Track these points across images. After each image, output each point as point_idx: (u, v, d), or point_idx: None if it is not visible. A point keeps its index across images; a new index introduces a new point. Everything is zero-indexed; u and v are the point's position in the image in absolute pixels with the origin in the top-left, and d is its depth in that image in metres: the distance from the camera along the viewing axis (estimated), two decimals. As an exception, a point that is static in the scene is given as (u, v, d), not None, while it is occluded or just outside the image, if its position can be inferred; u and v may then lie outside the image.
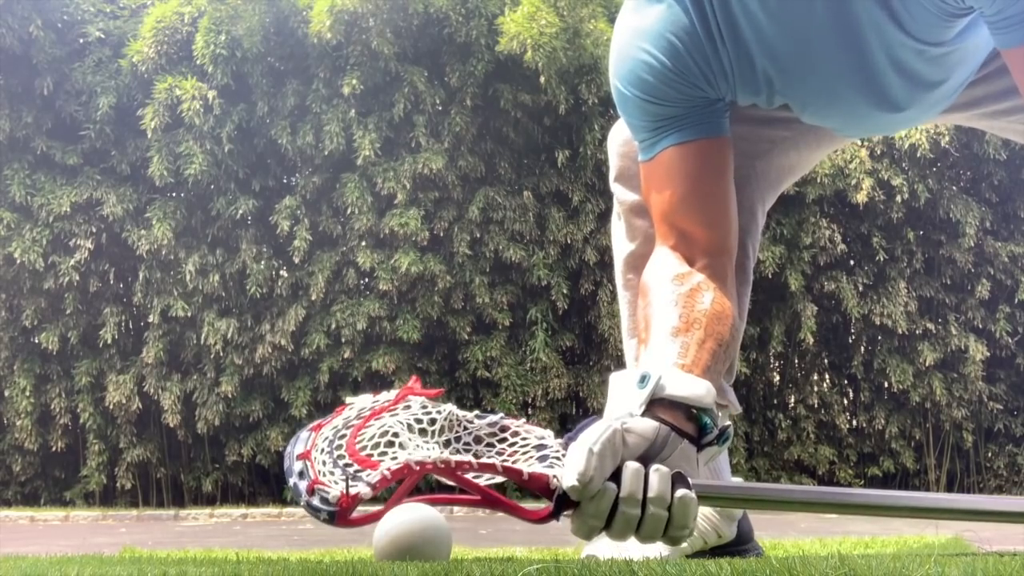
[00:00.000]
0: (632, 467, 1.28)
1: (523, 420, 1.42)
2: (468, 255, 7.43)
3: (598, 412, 1.49)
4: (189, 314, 7.47)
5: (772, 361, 8.33)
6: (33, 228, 7.46)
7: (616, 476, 1.29)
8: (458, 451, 1.39)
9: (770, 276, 7.60)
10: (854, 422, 8.38)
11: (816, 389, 8.24)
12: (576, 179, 7.57)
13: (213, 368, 7.52)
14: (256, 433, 7.60)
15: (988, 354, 8.04)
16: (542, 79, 7.17)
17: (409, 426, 1.39)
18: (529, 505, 1.37)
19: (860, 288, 7.97)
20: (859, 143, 7.71)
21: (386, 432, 1.37)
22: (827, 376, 8.37)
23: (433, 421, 1.39)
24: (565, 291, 7.50)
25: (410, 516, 1.29)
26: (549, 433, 1.39)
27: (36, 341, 7.61)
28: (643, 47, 1.53)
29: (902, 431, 8.12)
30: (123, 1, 7.91)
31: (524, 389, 7.51)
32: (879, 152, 7.88)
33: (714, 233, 1.57)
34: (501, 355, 7.49)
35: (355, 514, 1.28)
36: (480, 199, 7.45)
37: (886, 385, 8.19)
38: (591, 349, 7.88)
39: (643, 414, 1.34)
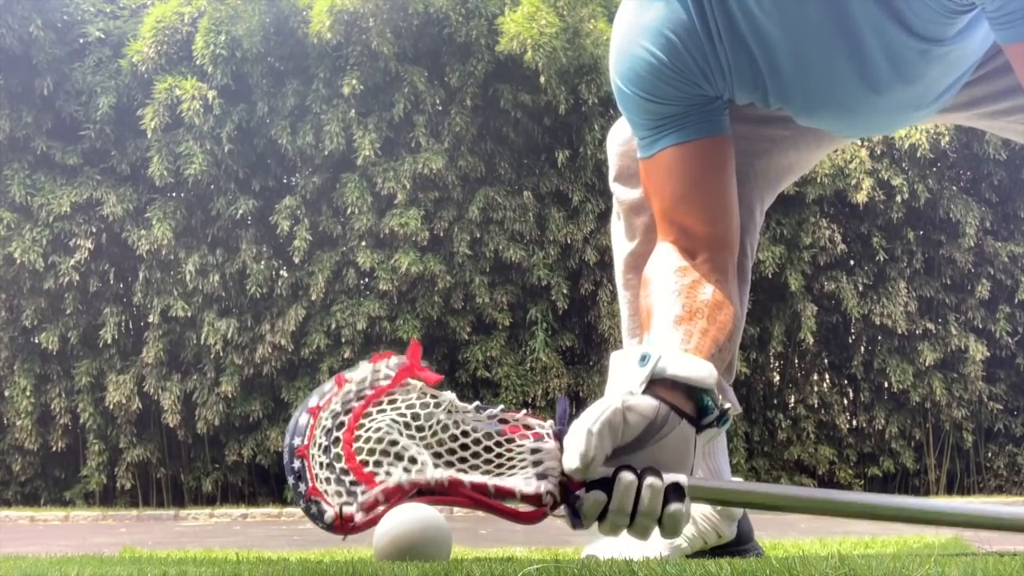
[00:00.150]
0: (625, 480, 1.28)
1: (524, 411, 1.40)
2: (468, 255, 7.43)
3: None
4: (189, 314, 7.47)
5: (772, 361, 8.33)
6: (33, 228, 7.46)
7: (608, 484, 1.29)
8: (452, 451, 1.39)
9: (770, 276, 7.60)
10: (854, 422, 8.38)
11: (816, 389, 8.23)
12: (576, 179, 7.57)
13: (213, 368, 7.52)
14: (256, 433, 7.60)
15: (988, 354, 8.04)
16: (542, 79, 7.17)
17: (406, 424, 1.39)
18: (522, 507, 1.38)
19: (860, 288, 7.97)
20: (859, 143, 7.71)
21: (382, 439, 1.37)
22: (827, 376, 8.37)
23: (431, 415, 1.39)
24: (565, 291, 7.50)
25: (410, 516, 1.29)
26: (548, 428, 1.39)
27: (36, 341, 7.61)
28: (642, 44, 1.53)
29: (902, 431, 8.12)
30: (123, 1, 7.91)
31: (524, 389, 7.51)
32: (879, 152, 7.87)
33: (715, 229, 1.57)
34: (501, 355, 7.49)
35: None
36: (480, 199, 7.45)
37: (886, 385, 8.19)
38: (591, 349, 7.88)
39: (643, 392, 1.35)
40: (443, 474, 1.34)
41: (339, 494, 1.31)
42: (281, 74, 7.55)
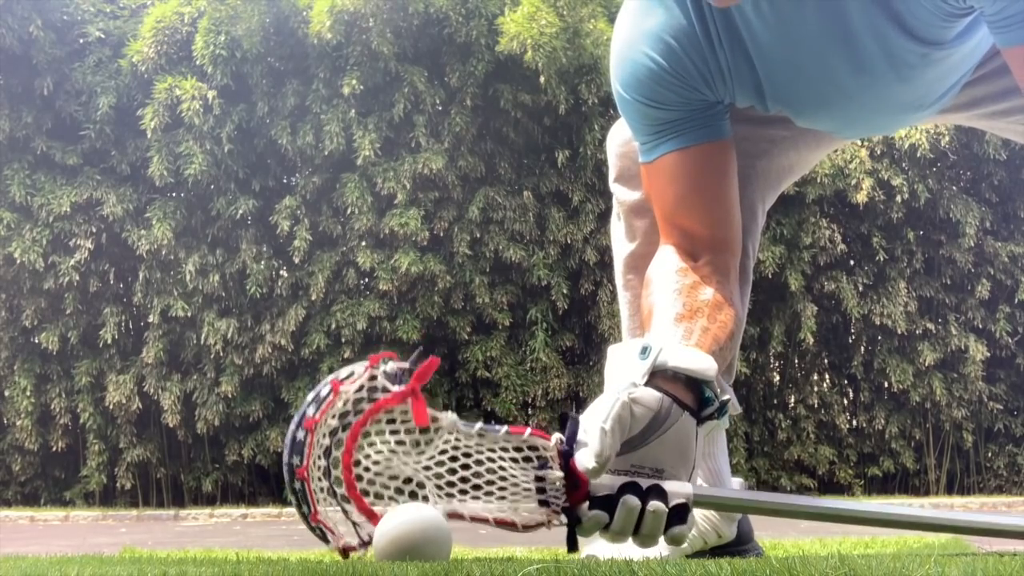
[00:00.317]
0: (628, 505, 1.29)
1: (528, 431, 1.37)
2: (468, 255, 7.43)
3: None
4: (189, 314, 7.47)
5: (772, 361, 8.33)
6: (33, 228, 7.46)
7: (610, 504, 1.29)
8: (454, 471, 1.38)
9: (770, 276, 7.60)
10: (854, 422, 8.38)
11: (816, 389, 8.23)
12: (576, 179, 7.57)
13: (213, 368, 7.52)
14: (256, 433, 7.60)
15: (988, 354, 8.04)
16: (542, 79, 7.17)
17: (406, 450, 1.37)
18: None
19: (860, 288, 7.97)
20: (859, 143, 7.71)
21: (382, 472, 1.36)
22: (827, 376, 8.37)
23: (431, 440, 1.38)
24: (565, 291, 7.50)
25: (410, 516, 1.29)
26: (553, 448, 1.35)
27: (36, 341, 7.61)
28: (643, 50, 1.53)
29: (902, 431, 8.12)
30: (123, 1, 7.91)
31: (524, 389, 7.51)
32: (879, 152, 7.87)
33: (717, 233, 1.58)
34: (501, 355, 7.49)
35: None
36: (480, 199, 7.45)
37: (886, 385, 8.19)
38: (591, 349, 7.88)
39: (645, 385, 1.35)
40: (443, 508, 1.35)
41: (343, 524, 1.33)
42: (281, 74, 7.55)
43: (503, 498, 1.36)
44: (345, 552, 1.32)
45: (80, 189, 7.51)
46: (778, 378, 8.34)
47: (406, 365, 1.39)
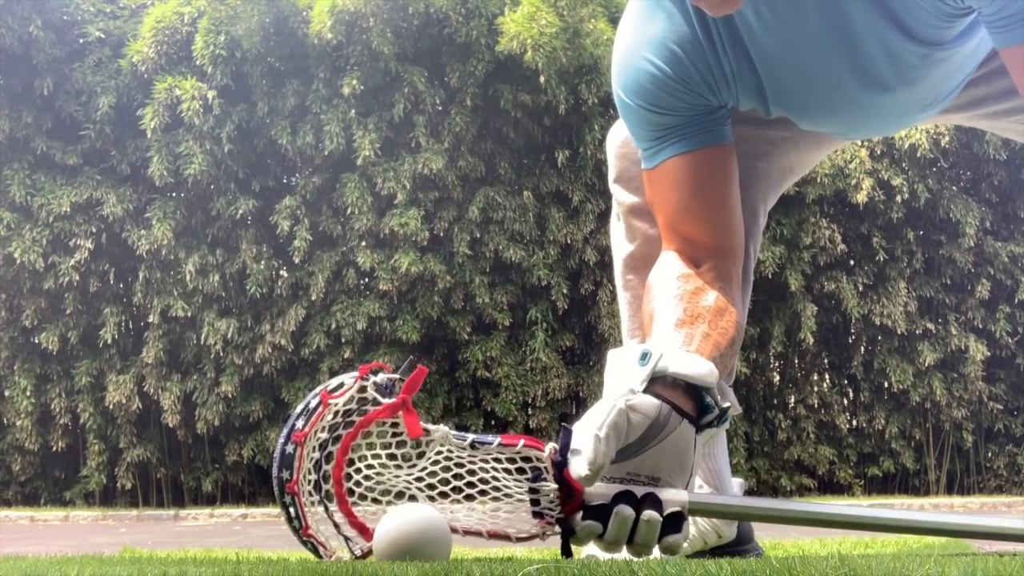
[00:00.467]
0: (622, 515, 1.28)
1: (521, 441, 1.36)
2: (468, 255, 7.43)
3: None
4: (189, 314, 7.47)
5: (772, 361, 8.33)
6: (33, 228, 7.46)
7: (603, 514, 1.29)
8: (447, 482, 1.37)
9: (770, 276, 7.60)
10: (854, 422, 8.38)
11: (816, 389, 8.23)
12: (576, 179, 7.57)
13: (213, 368, 7.52)
14: (256, 433, 7.60)
15: (988, 354, 8.04)
16: (542, 79, 7.17)
17: (397, 464, 1.37)
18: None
19: (860, 288, 7.97)
20: (859, 143, 7.71)
21: (373, 488, 1.36)
22: (827, 376, 8.37)
23: (423, 453, 1.38)
24: (565, 291, 7.50)
25: (410, 516, 1.29)
26: (547, 458, 1.35)
27: (36, 341, 7.61)
28: (645, 56, 1.53)
29: (902, 431, 8.12)
30: (123, 1, 7.91)
31: (524, 389, 7.51)
32: (879, 152, 7.87)
33: (720, 239, 1.58)
34: (501, 355, 7.49)
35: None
36: (480, 199, 7.45)
37: (886, 385, 8.19)
38: (591, 349, 7.88)
39: (644, 391, 1.34)
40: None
41: (335, 538, 1.33)
42: (281, 74, 7.55)
43: (496, 509, 1.35)
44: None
45: (80, 189, 7.51)
46: (778, 378, 8.34)
47: (396, 376, 1.38)
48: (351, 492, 1.34)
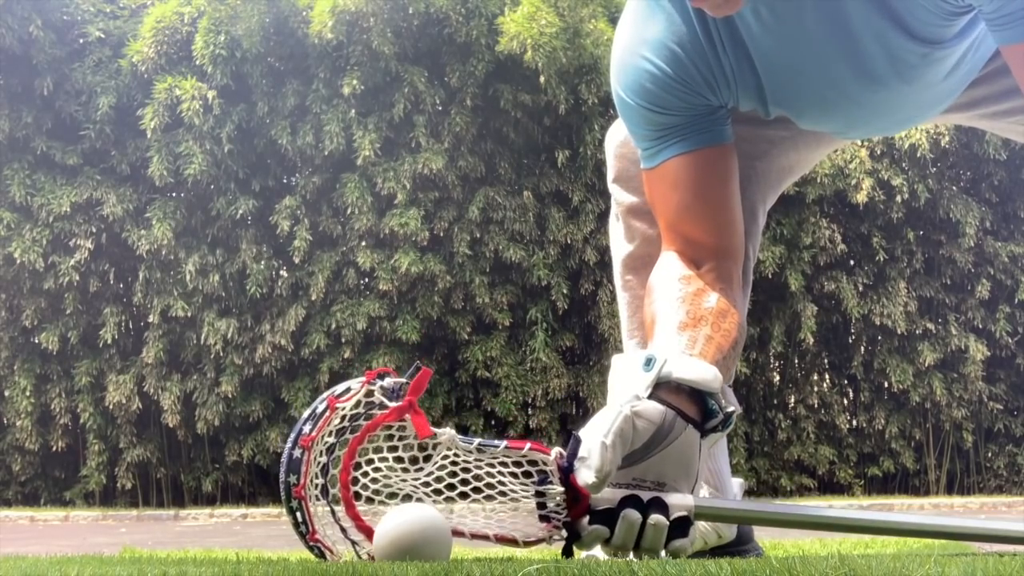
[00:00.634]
0: (629, 519, 1.28)
1: (527, 445, 1.36)
2: (468, 255, 7.43)
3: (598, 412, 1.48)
4: (189, 314, 7.47)
5: (772, 361, 8.33)
6: (33, 228, 7.46)
7: (610, 517, 1.29)
8: (453, 487, 1.37)
9: (770, 276, 7.60)
10: (854, 422, 8.38)
11: (816, 389, 8.23)
12: (576, 179, 7.57)
13: (213, 368, 7.52)
14: (256, 433, 7.60)
15: (988, 354, 8.04)
16: (542, 79, 7.17)
17: (404, 467, 1.37)
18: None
19: (860, 288, 7.97)
20: (859, 143, 7.71)
21: (380, 491, 1.35)
22: (827, 376, 8.37)
23: (430, 456, 1.37)
24: (565, 291, 7.50)
25: (410, 516, 1.29)
26: (553, 463, 1.34)
27: (36, 341, 7.61)
28: (645, 56, 1.52)
29: (902, 431, 8.12)
30: (123, 1, 7.91)
31: (524, 389, 7.51)
32: (879, 152, 7.87)
33: (720, 239, 1.57)
34: (501, 355, 7.49)
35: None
36: (480, 199, 7.45)
37: (886, 385, 8.19)
38: (591, 349, 7.88)
39: (649, 397, 1.34)
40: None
41: (341, 543, 1.33)
42: (281, 74, 7.55)
43: (503, 512, 1.35)
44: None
45: (80, 189, 7.51)
46: (778, 378, 8.34)
47: (403, 380, 1.38)
48: (358, 496, 1.34)
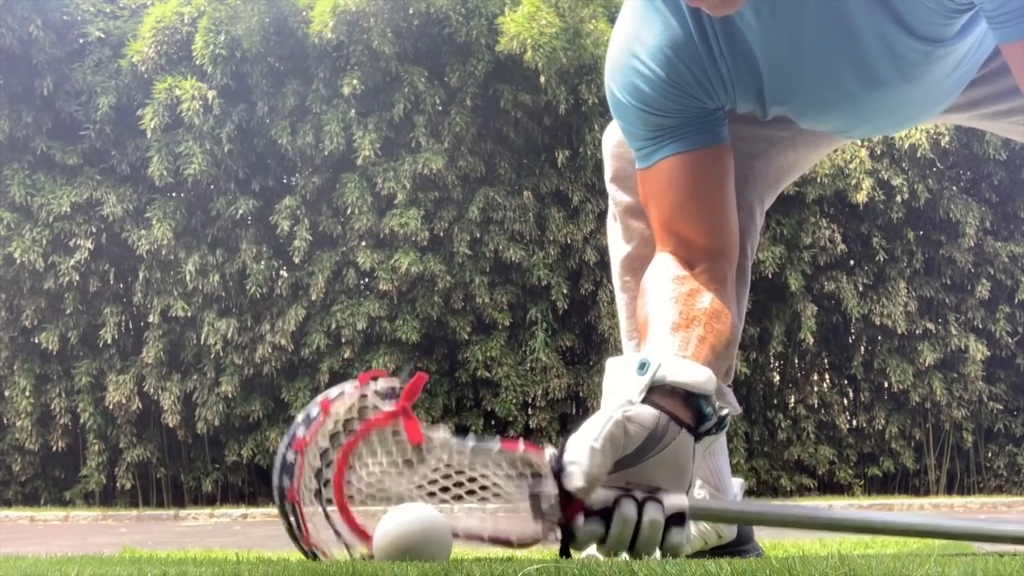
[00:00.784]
0: (625, 514, 1.28)
1: (521, 446, 1.36)
2: (468, 255, 7.43)
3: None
4: (189, 314, 7.48)
5: (772, 361, 8.33)
6: (33, 228, 7.46)
7: (607, 514, 1.28)
8: (446, 488, 1.36)
9: (770, 276, 7.60)
10: (854, 422, 8.38)
11: (816, 389, 8.23)
12: (576, 179, 7.57)
13: (213, 368, 7.52)
14: (256, 433, 7.60)
15: (988, 354, 8.04)
16: (542, 79, 7.17)
17: (398, 469, 1.36)
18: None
19: (860, 288, 7.97)
20: (859, 143, 7.71)
21: (374, 495, 1.34)
22: (827, 376, 8.37)
23: (424, 458, 1.37)
24: (565, 291, 7.50)
25: (410, 516, 1.29)
26: (548, 464, 1.35)
27: (36, 341, 7.61)
28: (641, 59, 1.52)
29: (902, 431, 8.12)
30: (123, 1, 7.91)
31: (524, 389, 7.51)
32: (879, 152, 7.88)
33: (714, 239, 1.56)
34: (501, 355, 7.49)
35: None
36: (480, 199, 7.45)
37: (886, 385, 8.19)
38: (591, 349, 7.88)
39: (642, 401, 1.34)
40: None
41: (335, 544, 1.31)
42: (281, 74, 7.55)
43: (497, 512, 1.35)
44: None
45: (80, 189, 7.51)
46: (778, 378, 8.34)
47: (396, 383, 1.37)
48: (351, 499, 1.34)
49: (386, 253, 7.38)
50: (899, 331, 7.88)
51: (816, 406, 8.14)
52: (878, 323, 7.92)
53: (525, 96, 7.41)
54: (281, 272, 7.61)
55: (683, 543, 1.29)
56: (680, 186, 1.55)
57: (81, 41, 7.68)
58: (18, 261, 7.40)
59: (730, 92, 1.52)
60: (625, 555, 1.48)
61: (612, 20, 7.11)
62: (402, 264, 7.23)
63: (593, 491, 1.28)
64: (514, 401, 7.47)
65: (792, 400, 8.26)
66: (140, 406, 7.57)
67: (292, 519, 1.32)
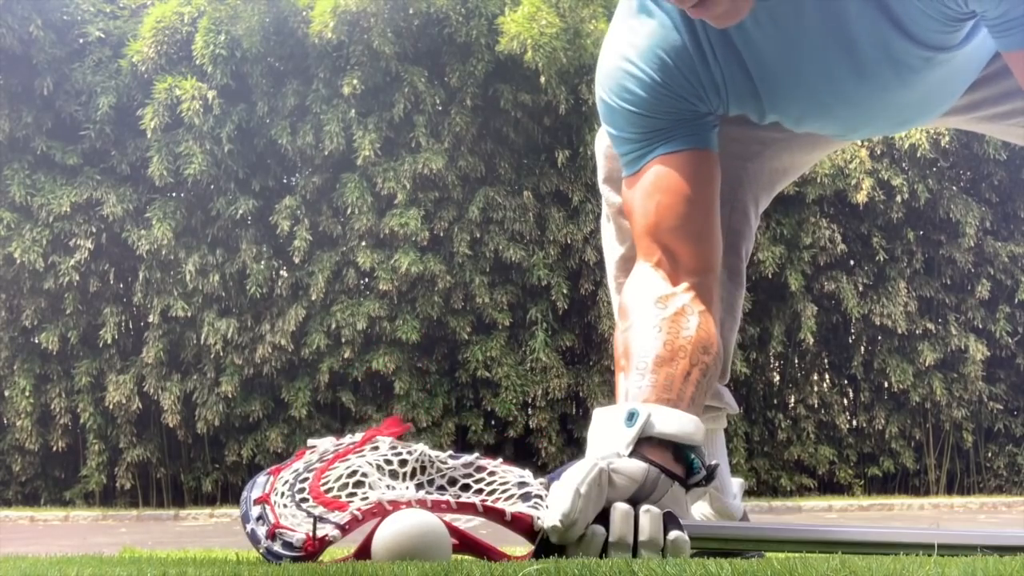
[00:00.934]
0: (621, 509, 1.27)
1: (499, 460, 1.37)
2: (468, 255, 7.43)
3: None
4: (189, 314, 7.47)
5: (772, 361, 8.33)
6: (33, 228, 7.46)
7: (604, 518, 1.27)
8: (431, 493, 1.33)
9: (770, 276, 7.59)
10: (854, 422, 8.38)
11: (816, 389, 8.23)
12: (576, 179, 7.57)
13: (213, 368, 7.52)
14: (256, 433, 7.60)
15: (988, 354, 8.04)
16: (542, 79, 7.17)
17: (379, 467, 1.34)
18: (509, 549, 1.34)
19: (860, 288, 7.97)
20: (859, 143, 7.71)
21: (354, 472, 1.30)
22: (827, 376, 8.37)
23: (404, 463, 1.35)
24: (565, 291, 7.50)
25: (408, 522, 1.28)
26: (528, 473, 1.36)
27: (36, 341, 7.61)
28: (633, 61, 1.52)
29: (902, 431, 8.12)
30: (123, 1, 7.90)
31: (524, 389, 7.51)
32: (879, 152, 7.88)
33: (700, 248, 1.53)
34: (501, 355, 7.49)
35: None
36: (480, 199, 7.45)
37: (886, 385, 8.19)
38: (591, 349, 7.88)
39: (631, 454, 1.33)
40: (426, 496, 1.30)
41: (308, 519, 1.22)
42: (281, 74, 7.55)
43: (487, 497, 1.35)
44: (313, 546, 1.22)
45: (80, 189, 7.51)
46: (778, 378, 8.34)
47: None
48: (329, 489, 1.31)
49: (386, 253, 7.38)
50: (899, 331, 7.88)
51: (816, 406, 8.14)
52: (878, 323, 7.92)
53: (525, 96, 7.41)
54: (281, 272, 7.61)
55: (685, 539, 1.29)
56: (668, 186, 1.52)
57: (81, 41, 7.68)
58: (18, 261, 7.40)
59: (723, 97, 1.52)
60: (626, 555, 1.48)
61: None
62: (402, 264, 7.23)
63: (569, 536, 1.25)
64: (514, 401, 7.47)
65: (792, 400, 8.26)
66: (140, 406, 7.57)
67: (260, 517, 1.26)
